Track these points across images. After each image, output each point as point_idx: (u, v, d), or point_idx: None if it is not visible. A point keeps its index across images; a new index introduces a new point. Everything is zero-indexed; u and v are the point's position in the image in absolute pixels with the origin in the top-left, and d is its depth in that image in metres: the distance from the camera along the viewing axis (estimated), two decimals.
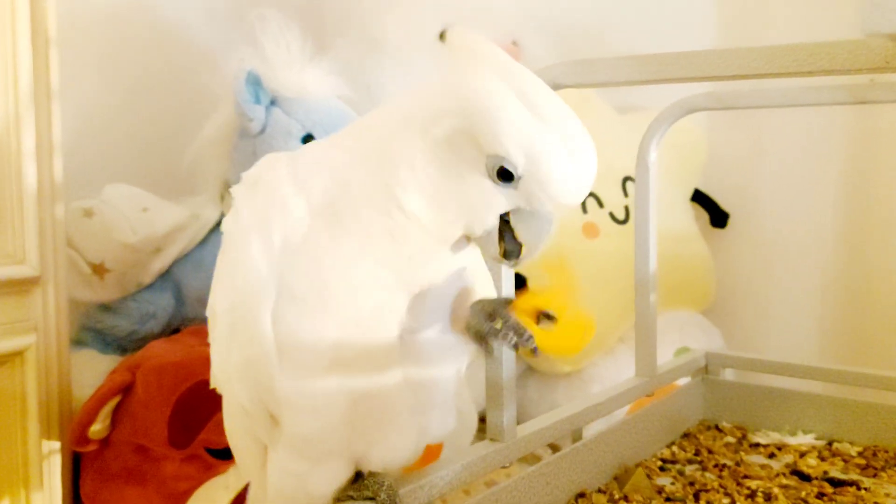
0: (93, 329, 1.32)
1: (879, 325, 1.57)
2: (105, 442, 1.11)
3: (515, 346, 0.65)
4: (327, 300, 0.61)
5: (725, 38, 1.75)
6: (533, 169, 0.58)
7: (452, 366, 0.70)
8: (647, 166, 1.07)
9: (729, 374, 1.29)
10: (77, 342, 1.31)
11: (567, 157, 0.58)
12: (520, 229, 0.61)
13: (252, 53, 1.21)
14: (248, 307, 0.62)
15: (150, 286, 1.32)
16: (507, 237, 0.62)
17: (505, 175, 0.59)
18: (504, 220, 0.62)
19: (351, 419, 0.64)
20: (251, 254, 0.62)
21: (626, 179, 1.65)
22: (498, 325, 0.66)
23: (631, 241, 1.08)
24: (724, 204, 1.81)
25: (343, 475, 0.67)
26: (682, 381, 1.25)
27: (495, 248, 0.62)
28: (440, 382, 0.69)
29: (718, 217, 1.81)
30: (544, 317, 0.66)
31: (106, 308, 1.31)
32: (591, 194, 1.61)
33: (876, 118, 1.57)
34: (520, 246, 0.62)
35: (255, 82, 1.21)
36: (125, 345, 1.32)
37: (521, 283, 1.54)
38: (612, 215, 1.62)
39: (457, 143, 0.59)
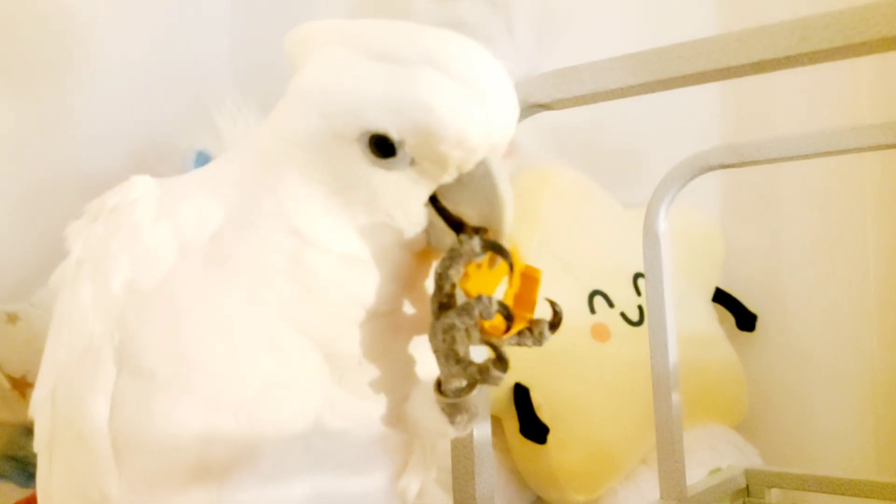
0: (14, 458, 1.12)
1: None
2: None
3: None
4: (190, 370, 0.42)
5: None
6: (409, 126, 0.42)
7: (388, 478, 0.50)
8: (656, 237, 0.90)
9: (775, 496, 1.07)
10: None
11: (441, 87, 0.42)
12: (461, 209, 0.45)
13: (205, 133, 1.09)
14: (73, 386, 0.43)
15: None
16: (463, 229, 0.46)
17: (384, 146, 0.43)
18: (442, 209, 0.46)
19: None
20: (79, 306, 0.44)
21: (637, 276, 1.48)
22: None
23: (646, 345, 0.90)
24: (749, 304, 1.63)
25: None
26: None
27: (452, 239, 0.46)
28: None
29: (745, 319, 1.62)
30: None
31: (30, 431, 1.11)
32: (600, 292, 1.43)
33: None
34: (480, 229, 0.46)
35: (205, 163, 1.07)
36: None
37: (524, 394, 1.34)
38: (623, 315, 1.44)
39: (323, 147, 0.44)
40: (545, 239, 1.43)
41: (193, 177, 0.51)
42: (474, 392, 0.46)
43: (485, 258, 0.46)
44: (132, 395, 0.43)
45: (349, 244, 0.44)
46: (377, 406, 0.47)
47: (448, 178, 0.44)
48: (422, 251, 0.47)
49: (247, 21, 1.80)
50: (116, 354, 0.43)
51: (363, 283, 0.45)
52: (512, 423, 1.36)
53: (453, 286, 0.46)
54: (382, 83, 0.42)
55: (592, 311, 1.42)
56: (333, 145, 0.44)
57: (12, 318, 1.08)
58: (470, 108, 0.42)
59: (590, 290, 1.44)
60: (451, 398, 0.46)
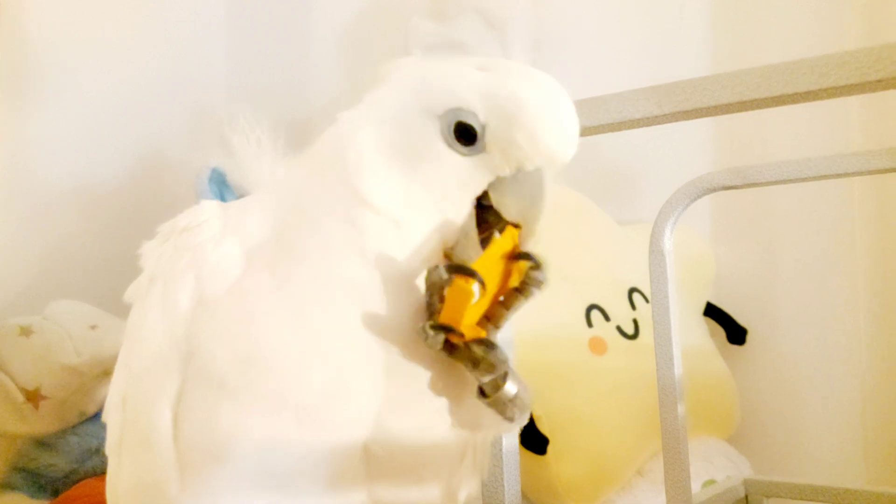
0: (25, 469, 1.13)
1: None
2: None
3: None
4: (256, 372, 0.44)
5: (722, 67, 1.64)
6: (497, 110, 0.46)
7: (444, 486, 0.52)
8: (662, 255, 0.93)
9: None
10: (6, 486, 1.11)
11: (533, 89, 0.47)
12: (506, 201, 0.48)
13: (218, 150, 1.10)
14: (141, 396, 0.45)
15: (94, 417, 1.15)
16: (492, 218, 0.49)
17: (466, 133, 0.47)
18: (483, 208, 0.49)
19: None
20: (147, 323, 0.46)
21: (632, 291, 1.52)
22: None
23: (641, 358, 0.94)
24: (740, 318, 1.67)
25: None
26: None
27: (476, 241, 0.49)
28: None
29: (736, 333, 1.66)
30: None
31: (41, 443, 1.12)
32: (596, 306, 1.47)
33: None
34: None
35: (219, 180, 1.09)
36: (63, 488, 1.13)
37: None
38: (619, 329, 1.47)
39: (405, 118, 0.48)
40: (544, 253, 1.46)
41: (256, 194, 0.54)
42: (507, 382, 0.48)
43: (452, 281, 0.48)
44: (201, 403, 0.45)
45: (396, 210, 0.47)
46: (436, 400, 0.48)
47: (507, 171, 0.48)
48: (442, 249, 0.49)
49: (243, 34, 1.82)
50: (182, 367, 0.46)
51: (401, 251, 0.47)
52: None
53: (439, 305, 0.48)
54: (478, 75, 0.48)
55: (590, 324, 1.45)
56: (416, 117, 0.47)
57: (25, 331, 1.09)
58: (550, 112, 0.47)
59: (587, 304, 1.47)
60: (491, 395, 0.48)
